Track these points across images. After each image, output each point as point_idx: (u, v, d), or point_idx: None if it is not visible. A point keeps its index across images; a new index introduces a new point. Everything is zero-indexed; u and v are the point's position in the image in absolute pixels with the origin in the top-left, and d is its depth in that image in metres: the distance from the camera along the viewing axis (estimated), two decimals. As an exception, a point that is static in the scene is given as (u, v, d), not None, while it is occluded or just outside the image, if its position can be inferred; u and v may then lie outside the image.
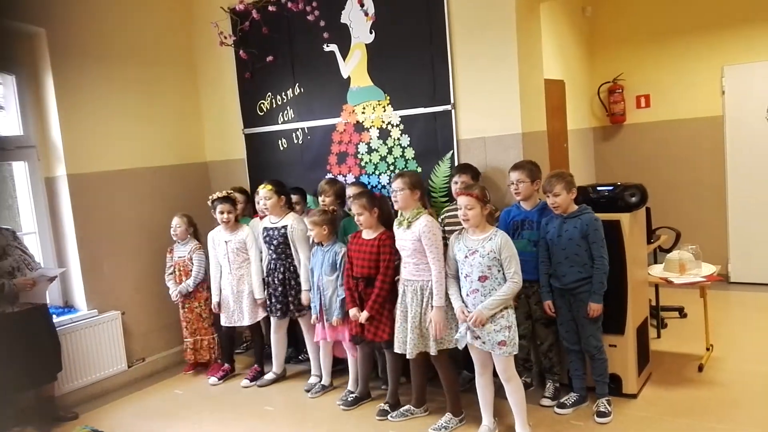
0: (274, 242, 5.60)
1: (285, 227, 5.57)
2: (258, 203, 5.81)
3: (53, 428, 5.20)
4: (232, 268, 5.85)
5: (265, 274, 5.77)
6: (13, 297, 5.00)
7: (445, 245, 4.64)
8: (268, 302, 5.75)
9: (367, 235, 4.93)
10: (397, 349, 4.72)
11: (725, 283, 7.57)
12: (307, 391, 5.62)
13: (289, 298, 5.63)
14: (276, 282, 5.65)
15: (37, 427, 5.14)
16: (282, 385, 5.90)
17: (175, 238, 6.18)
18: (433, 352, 4.57)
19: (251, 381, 5.93)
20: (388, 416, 4.96)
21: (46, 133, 5.83)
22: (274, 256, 5.66)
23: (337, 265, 5.16)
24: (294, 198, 5.90)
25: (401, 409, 4.97)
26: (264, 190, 5.61)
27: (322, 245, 5.29)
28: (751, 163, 7.54)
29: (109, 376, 6.03)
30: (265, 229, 5.68)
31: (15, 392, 5.14)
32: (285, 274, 5.63)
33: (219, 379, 6.04)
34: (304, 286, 5.56)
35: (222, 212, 5.78)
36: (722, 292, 7.32)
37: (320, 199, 5.67)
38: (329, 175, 6.14)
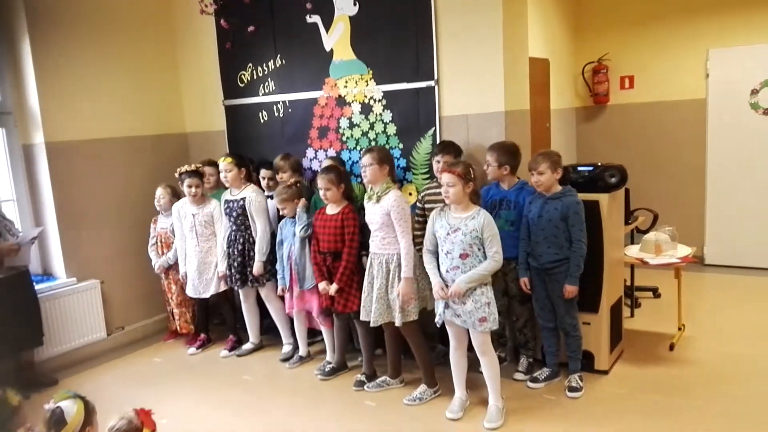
0: (234, 214, 5.67)
1: (244, 199, 5.63)
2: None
3: (33, 393, 5.21)
4: (200, 241, 5.88)
5: (225, 246, 5.81)
6: None
7: (425, 222, 4.70)
8: (227, 273, 5.79)
9: (331, 210, 5.00)
10: (363, 318, 4.80)
11: (700, 265, 7.65)
12: (284, 361, 5.69)
13: (248, 269, 5.68)
14: (236, 253, 5.71)
15: (17, 392, 5.14)
16: (260, 354, 5.95)
17: (159, 209, 6.18)
18: (397, 323, 4.65)
19: (230, 351, 5.98)
20: (365, 387, 5.03)
21: (23, 99, 5.78)
22: (233, 227, 5.73)
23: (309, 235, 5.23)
24: (267, 173, 5.92)
25: (377, 380, 5.04)
26: (224, 163, 5.67)
27: (292, 217, 5.34)
28: (732, 147, 7.60)
29: (89, 344, 6.06)
30: (226, 201, 5.75)
31: (1, 357, 5.18)
32: (244, 245, 5.69)
33: (197, 349, 6.09)
34: (257, 257, 5.62)
35: (190, 186, 5.81)
36: (697, 273, 7.41)
37: (278, 176, 5.71)
38: (310, 150, 6.14)
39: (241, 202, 5.63)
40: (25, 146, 5.86)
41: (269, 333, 6.17)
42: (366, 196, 4.81)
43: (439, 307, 4.37)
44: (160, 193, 6.12)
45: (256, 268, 5.62)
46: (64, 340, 5.85)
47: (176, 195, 6.16)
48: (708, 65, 7.68)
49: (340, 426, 4.57)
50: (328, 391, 5.13)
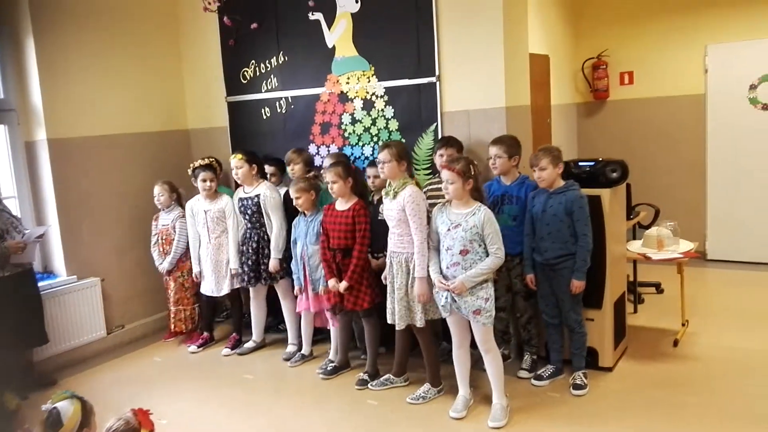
0: (249, 211, 5.63)
1: (258, 196, 5.59)
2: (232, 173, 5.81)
3: (32, 394, 5.18)
4: (212, 238, 5.85)
5: (240, 243, 5.78)
6: (4, 261, 5.01)
7: (429, 218, 4.67)
8: (240, 270, 5.76)
9: (341, 206, 4.96)
10: (389, 321, 4.73)
11: (702, 260, 7.66)
12: (286, 360, 5.65)
13: (262, 267, 5.66)
14: (250, 251, 5.68)
15: (16, 392, 5.13)
16: (262, 353, 5.93)
17: (159, 206, 6.14)
18: (419, 324, 4.61)
19: (231, 349, 5.96)
20: (368, 385, 5.01)
21: (26, 96, 5.76)
22: (248, 225, 5.70)
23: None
24: (270, 169, 5.89)
25: (381, 379, 5.02)
26: (235, 160, 5.64)
27: (305, 215, 5.30)
28: (732, 141, 7.60)
29: (88, 343, 6.02)
30: (240, 199, 5.71)
31: (6, 357, 5.14)
32: (259, 243, 5.66)
33: (198, 347, 6.06)
34: (273, 254, 5.59)
35: (204, 180, 5.77)
36: (699, 269, 7.42)
37: (289, 168, 5.68)
38: (312, 146, 6.12)
39: (256, 200, 5.59)
40: (28, 143, 5.83)
41: (268, 331, 6.17)
42: (384, 192, 4.75)
43: (441, 300, 4.34)
44: (158, 191, 6.08)
45: (272, 264, 5.59)
46: (64, 339, 5.81)
47: (174, 190, 6.13)
48: (706, 61, 7.69)
49: (342, 425, 4.55)
50: (330, 390, 5.11)
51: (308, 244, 5.25)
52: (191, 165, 5.87)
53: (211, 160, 5.91)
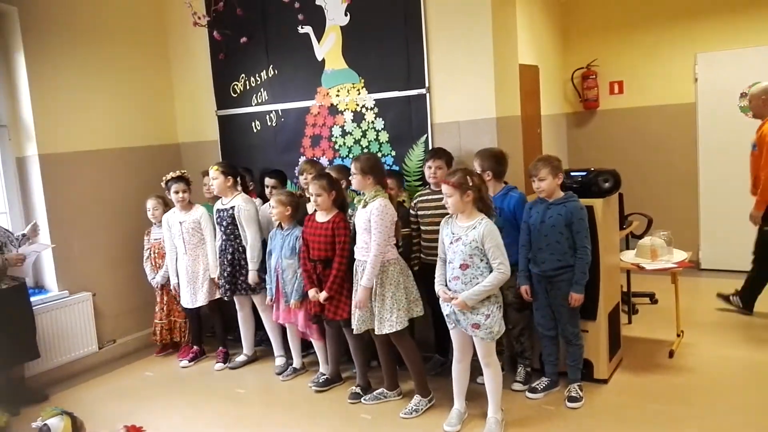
0: (224, 223, 5.64)
1: (233, 208, 5.59)
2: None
3: (23, 409, 5.15)
4: (187, 249, 5.86)
5: (217, 255, 5.78)
6: (2, 273, 5.02)
7: (420, 230, 4.77)
8: (220, 282, 5.76)
9: (321, 217, 4.95)
10: (353, 326, 4.77)
11: (696, 269, 7.67)
12: (278, 374, 5.63)
13: (240, 278, 5.65)
14: (225, 263, 5.68)
15: (6, 408, 5.09)
16: (254, 367, 5.90)
17: (153, 220, 6.15)
18: (377, 331, 4.64)
19: (223, 363, 5.94)
20: (361, 399, 4.98)
21: (17, 112, 5.76)
22: (224, 237, 5.70)
23: (297, 249, 5.17)
24: (271, 181, 5.87)
25: (375, 393, 4.99)
26: (211, 171, 5.66)
27: (282, 228, 5.31)
28: (723, 150, 7.59)
29: (80, 358, 6.00)
30: (217, 210, 5.72)
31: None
32: (234, 254, 5.65)
33: (189, 362, 6.04)
34: (250, 266, 5.59)
35: (177, 191, 5.81)
36: (693, 278, 7.43)
37: (302, 177, 5.63)
38: (302, 158, 6.10)
39: (231, 211, 5.59)
40: (19, 159, 5.83)
41: (262, 345, 6.14)
42: (356, 200, 4.81)
43: (446, 310, 4.31)
44: (153, 204, 6.09)
45: (250, 277, 5.59)
46: (56, 354, 5.79)
47: (167, 205, 6.12)
48: (696, 69, 7.70)
49: (336, 439, 4.52)
50: (323, 403, 5.07)
51: (282, 257, 5.26)
52: (164, 178, 5.89)
53: (183, 171, 5.96)
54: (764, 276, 6.19)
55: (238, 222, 5.59)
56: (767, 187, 5.90)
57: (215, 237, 5.83)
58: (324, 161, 6.00)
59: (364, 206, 4.63)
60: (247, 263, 5.62)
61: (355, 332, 4.77)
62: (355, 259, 4.78)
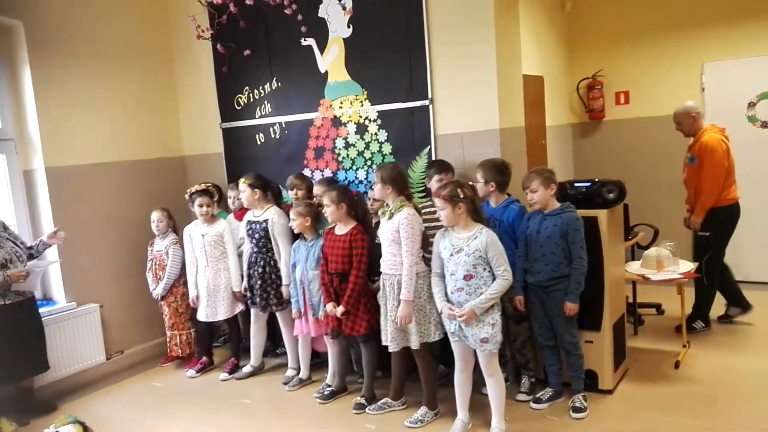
0: (256, 236, 5.59)
1: (267, 221, 5.57)
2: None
3: (32, 420, 5.19)
4: (209, 262, 5.84)
5: (246, 267, 5.76)
6: (5, 289, 5.02)
7: (425, 241, 4.69)
8: (248, 294, 5.74)
9: (340, 230, 4.95)
10: (383, 342, 4.73)
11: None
12: (285, 383, 5.63)
13: (271, 292, 5.62)
14: (256, 275, 5.64)
15: (15, 418, 5.12)
16: (260, 378, 5.91)
17: (157, 232, 6.16)
18: (414, 346, 4.59)
19: (229, 374, 5.94)
20: (366, 409, 4.97)
21: (23, 126, 5.81)
22: (255, 249, 5.65)
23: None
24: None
25: (379, 402, 4.98)
26: (240, 184, 5.65)
27: (306, 240, 5.29)
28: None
29: (88, 368, 6.02)
30: (249, 222, 5.68)
31: (6, 383, 5.19)
32: (265, 267, 5.61)
33: (197, 372, 6.05)
34: (284, 281, 5.56)
35: (201, 205, 5.79)
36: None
37: (292, 193, 5.67)
38: (306, 170, 6.14)
39: (264, 224, 5.56)
40: (26, 171, 5.87)
41: (266, 355, 6.16)
42: (380, 212, 4.78)
43: (450, 327, 4.31)
44: (158, 217, 6.11)
45: (284, 291, 5.56)
46: (64, 365, 5.81)
47: (171, 218, 6.17)
48: (703, 79, 7.67)
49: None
50: (327, 414, 5.07)
51: (308, 269, 5.23)
52: (188, 190, 5.88)
53: (207, 185, 5.92)
54: (711, 286, 6.15)
55: (271, 235, 5.57)
56: (709, 196, 5.98)
57: (243, 248, 5.83)
58: (327, 173, 6.02)
59: (390, 218, 4.61)
60: (276, 278, 5.60)
61: (391, 350, 4.71)
62: (380, 272, 4.75)
